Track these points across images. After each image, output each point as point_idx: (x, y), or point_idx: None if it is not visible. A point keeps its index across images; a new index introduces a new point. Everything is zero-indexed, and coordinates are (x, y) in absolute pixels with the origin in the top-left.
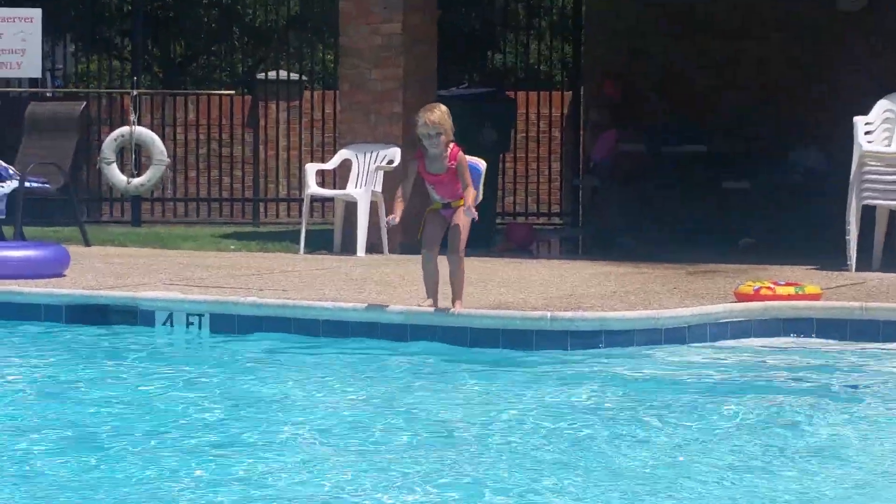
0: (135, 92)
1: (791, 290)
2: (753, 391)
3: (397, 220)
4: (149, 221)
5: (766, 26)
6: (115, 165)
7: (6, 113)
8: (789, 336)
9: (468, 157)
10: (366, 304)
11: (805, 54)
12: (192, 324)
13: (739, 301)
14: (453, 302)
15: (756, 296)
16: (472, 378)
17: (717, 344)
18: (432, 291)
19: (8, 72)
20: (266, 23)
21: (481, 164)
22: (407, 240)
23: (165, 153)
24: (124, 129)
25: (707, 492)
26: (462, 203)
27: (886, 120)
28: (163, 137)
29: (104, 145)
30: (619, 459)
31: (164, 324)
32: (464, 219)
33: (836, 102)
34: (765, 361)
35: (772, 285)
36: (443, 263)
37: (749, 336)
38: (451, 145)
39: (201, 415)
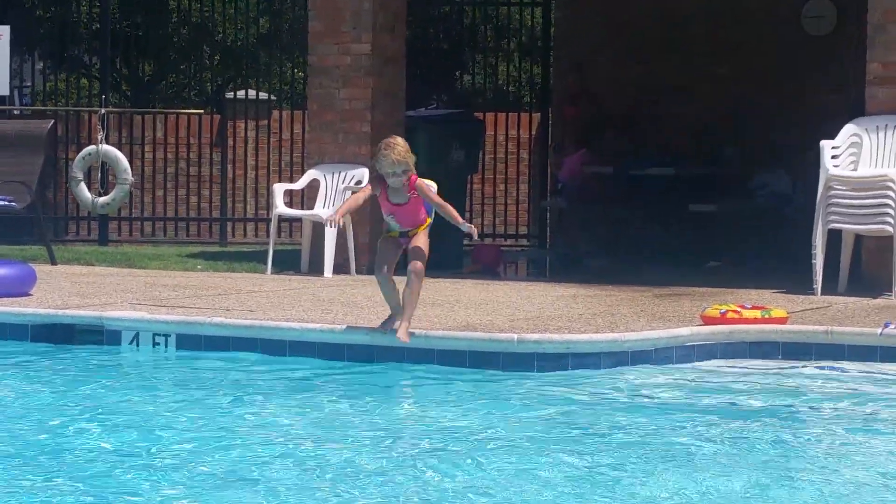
0: (103, 110)
1: (757, 313)
2: (717, 413)
3: (340, 222)
4: (116, 240)
5: (737, 49)
6: (83, 184)
7: None
8: (755, 359)
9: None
10: (332, 325)
11: (774, 77)
12: (158, 343)
13: (706, 324)
14: (400, 324)
15: (722, 319)
16: (430, 397)
17: (683, 366)
18: (398, 311)
19: None
20: (236, 41)
21: (433, 185)
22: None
23: (129, 172)
24: (91, 148)
25: None
26: (422, 228)
27: (853, 144)
28: (130, 156)
29: (73, 164)
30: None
31: (130, 343)
32: (424, 240)
33: (804, 126)
34: (730, 384)
35: (738, 308)
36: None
37: (715, 358)
38: (412, 181)
39: (164, 433)
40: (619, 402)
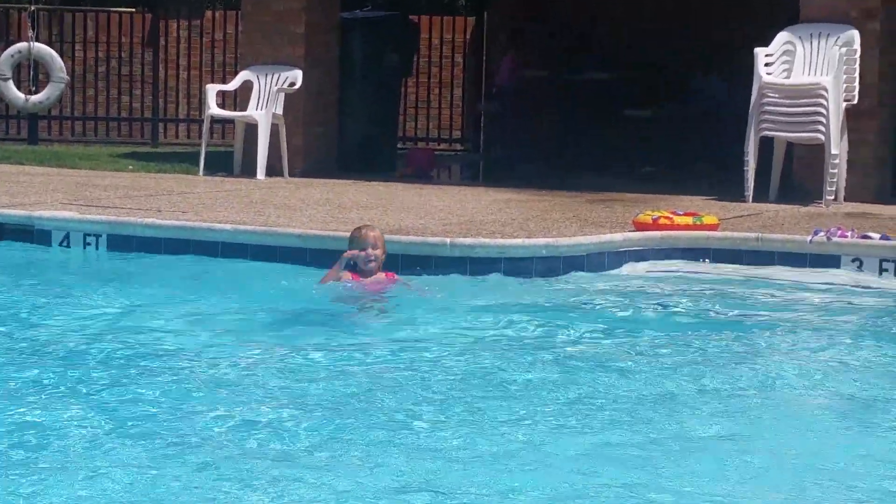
0: (32, 7)
1: (689, 220)
2: (649, 322)
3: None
4: (46, 140)
5: None
6: (11, 82)
7: None
8: (686, 264)
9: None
10: (265, 227)
11: None
12: (89, 244)
13: (638, 230)
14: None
15: (654, 225)
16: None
17: (614, 272)
18: None
19: None
20: None
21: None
22: (308, 163)
23: (65, 70)
24: (21, 45)
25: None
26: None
27: (786, 52)
28: (61, 55)
29: (0, 61)
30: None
31: (60, 244)
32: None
33: (740, 31)
34: (660, 289)
35: (670, 215)
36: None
37: (646, 263)
38: (390, 275)
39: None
40: (550, 306)
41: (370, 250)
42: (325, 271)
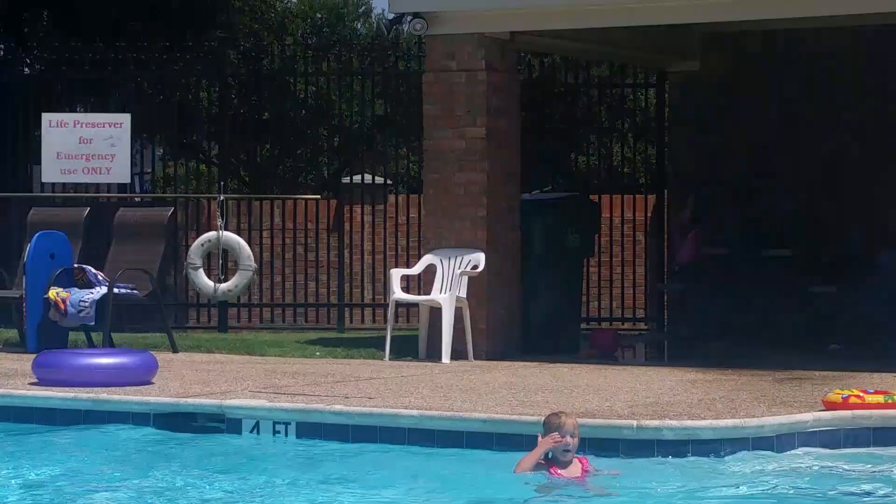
0: (221, 197)
1: (881, 398)
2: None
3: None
4: (235, 327)
5: (854, 127)
6: (201, 271)
7: (96, 219)
8: (878, 446)
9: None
10: (452, 412)
11: (893, 155)
12: (278, 432)
13: (828, 409)
14: None
15: (845, 404)
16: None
17: (805, 451)
18: None
19: (98, 177)
20: (353, 124)
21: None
22: (492, 346)
23: (252, 258)
24: (211, 234)
25: None
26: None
27: None
28: (249, 242)
29: (191, 250)
30: None
31: (251, 431)
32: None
33: None
34: (855, 471)
35: (861, 393)
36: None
37: (838, 446)
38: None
39: None
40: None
41: (568, 439)
42: (520, 456)
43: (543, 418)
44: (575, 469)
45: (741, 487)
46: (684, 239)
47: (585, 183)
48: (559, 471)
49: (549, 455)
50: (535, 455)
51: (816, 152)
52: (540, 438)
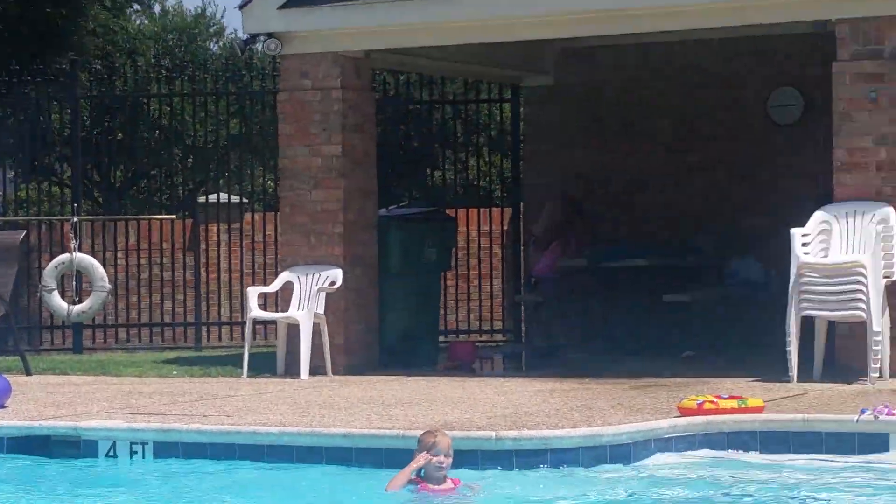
0: (75, 218)
1: (734, 403)
2: None
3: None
4: (90, 348)
5: (707, 138)
6: (56, 293)
7: None
8: (732, 450)
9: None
10: (311, 428)
11: (745, 165)
12: (136, 452)
13: (683, 415)
14: None
15: (699, 410)
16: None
17: (660, 459)
18: None
19: None
20: (207, 144)
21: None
22: (351, 361)
23: (106, 279)
24: (65, 256)
25: None
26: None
27: (823, 231)
28: (104, 262)
29: (45, 272)
30: None
31: (107, 453)
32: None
33: (776, 212)
34: (708, 476)
35: (715, 399)
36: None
37: (693, 450)
38: (456, 481)
39: None
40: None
41: (442, 458)
42: (392, 473)
43: (418, 435)
44: (447, 486)
45: (600, 495)
46: (540, 251)
47: (442, 197)
48: (431, 486)
49: (422, 473)
50: (407, 472)
51: (670, 162)
52: (415, 454)
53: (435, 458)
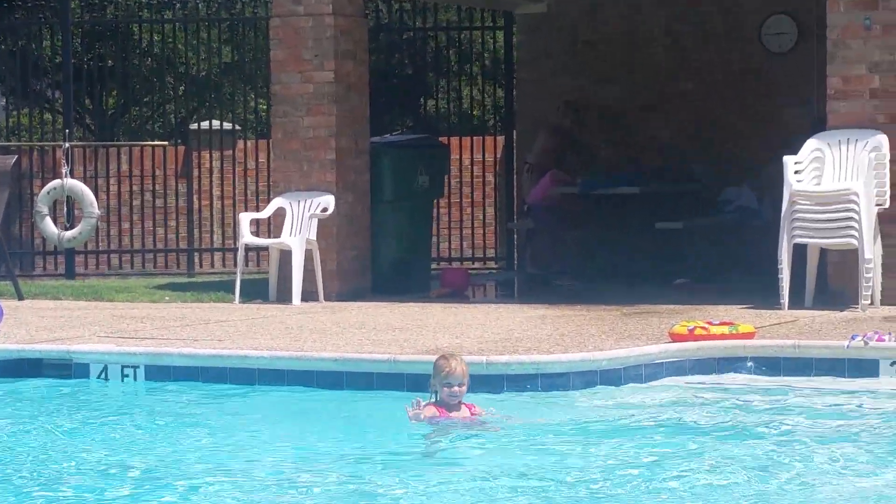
0: (67, 144)
1: (725, 329)
2: (685, 431)
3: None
4: (83, 274)
5: (701, 67)
6: (48, 218)
7: None
8: (724, 374)
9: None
10: (302, 353)
11: (739, 93)
12: (127, 376)
13: (674, 341)
14: None
15: (691, 336)
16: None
17: (653, 384)
18: None
19: None
20: (200, 72)
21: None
22: (343, 287)
23: (95, 205)
24: (56, 182)
25: None
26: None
27: (815, 159)
28: (96, 189)
29: (38, 198)
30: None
31: (99, 376)
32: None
33: (770, 141)
34: (699, 399)
35: (706, 325)
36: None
37: (684, 375)
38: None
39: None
40: (592, 421)
41: (456, 388)
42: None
43: (434, 360)
44: (463, 412)
45: (593, 420)
46: (533, 179)
47: (435, 126)
48: (447, 413)
49: (437, 398)
50: (417, 416)
51: (664, 90)
52: (431, 382)
53: (447, 391)
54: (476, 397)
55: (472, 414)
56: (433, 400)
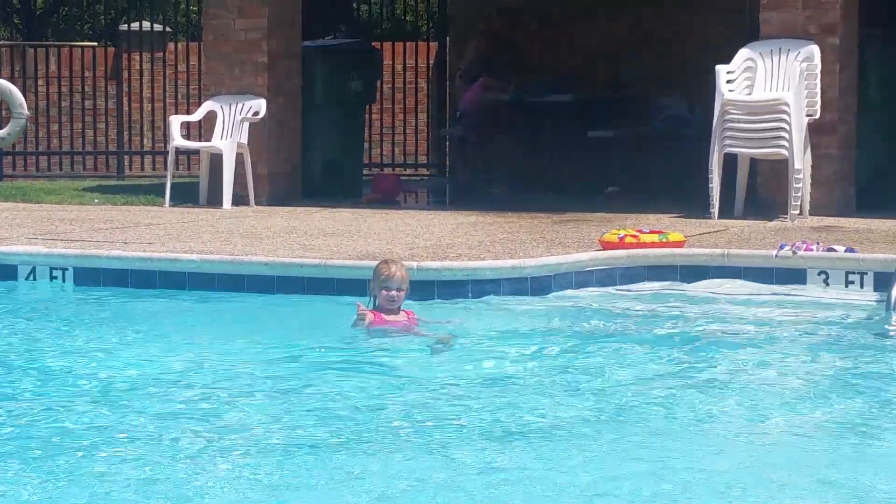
0: None
1: (655, 237)
2: (613, 338)
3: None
4: (10, 175)
5: None
6: None
7: None
8: (653, 282)
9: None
10: (231, 256)
11: (671, 1)
12: (55, 278)
13: (604, 249)
14: None
15: (621, 244)
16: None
17: (583, 291)
18: None
19: None
20: None
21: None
22: (274, 192)
23: (25, 105)
24: None
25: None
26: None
27: (748, 68)
28: (24, 90)
29: None
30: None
31: (27, 278)
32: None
33: (703, 49)
34: (627, 308)
35: (636, 233)
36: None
37: (613, 283)
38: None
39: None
40: (522, 328)
41: (395, 293)
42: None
43: (367, 265)
44: (400, 318)
45: (523, 327)
46: (466, 86)
47: (368, 31)
48: (385, 318)
49: (376, 304)
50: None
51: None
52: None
53: (385, 294)
54: (407, 303)
55: (409, 320)
56: (372, 306)
